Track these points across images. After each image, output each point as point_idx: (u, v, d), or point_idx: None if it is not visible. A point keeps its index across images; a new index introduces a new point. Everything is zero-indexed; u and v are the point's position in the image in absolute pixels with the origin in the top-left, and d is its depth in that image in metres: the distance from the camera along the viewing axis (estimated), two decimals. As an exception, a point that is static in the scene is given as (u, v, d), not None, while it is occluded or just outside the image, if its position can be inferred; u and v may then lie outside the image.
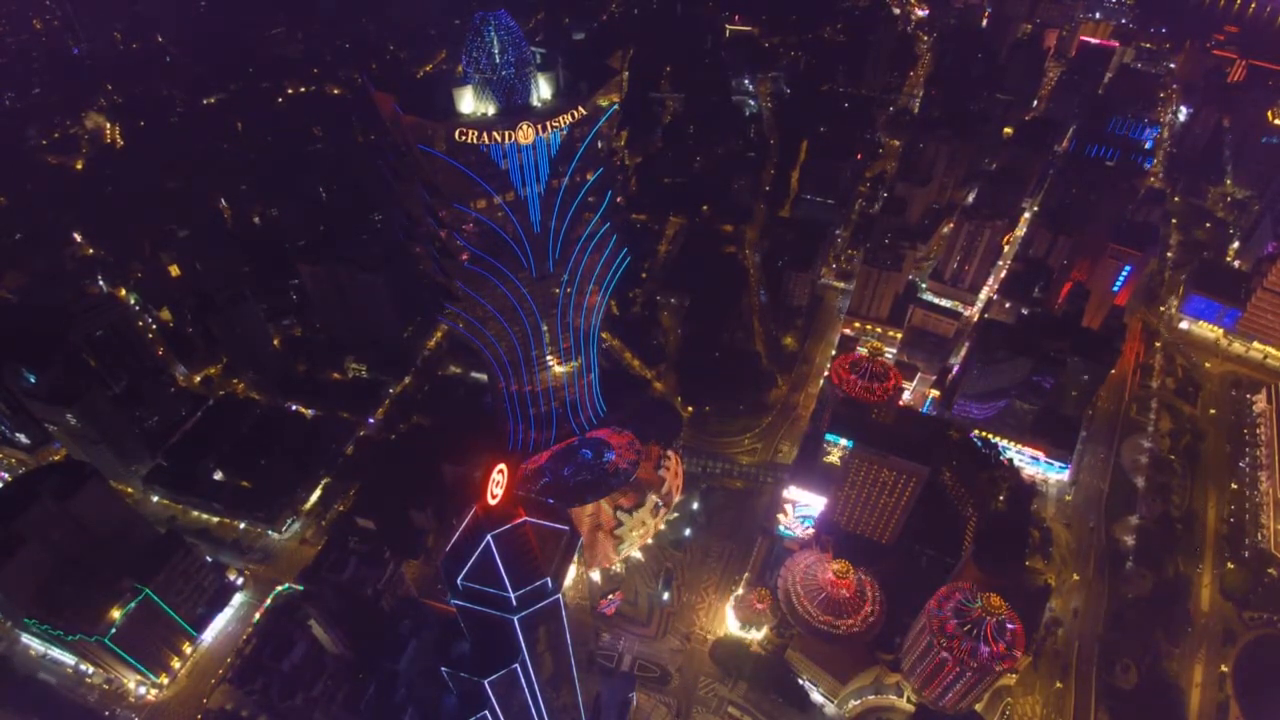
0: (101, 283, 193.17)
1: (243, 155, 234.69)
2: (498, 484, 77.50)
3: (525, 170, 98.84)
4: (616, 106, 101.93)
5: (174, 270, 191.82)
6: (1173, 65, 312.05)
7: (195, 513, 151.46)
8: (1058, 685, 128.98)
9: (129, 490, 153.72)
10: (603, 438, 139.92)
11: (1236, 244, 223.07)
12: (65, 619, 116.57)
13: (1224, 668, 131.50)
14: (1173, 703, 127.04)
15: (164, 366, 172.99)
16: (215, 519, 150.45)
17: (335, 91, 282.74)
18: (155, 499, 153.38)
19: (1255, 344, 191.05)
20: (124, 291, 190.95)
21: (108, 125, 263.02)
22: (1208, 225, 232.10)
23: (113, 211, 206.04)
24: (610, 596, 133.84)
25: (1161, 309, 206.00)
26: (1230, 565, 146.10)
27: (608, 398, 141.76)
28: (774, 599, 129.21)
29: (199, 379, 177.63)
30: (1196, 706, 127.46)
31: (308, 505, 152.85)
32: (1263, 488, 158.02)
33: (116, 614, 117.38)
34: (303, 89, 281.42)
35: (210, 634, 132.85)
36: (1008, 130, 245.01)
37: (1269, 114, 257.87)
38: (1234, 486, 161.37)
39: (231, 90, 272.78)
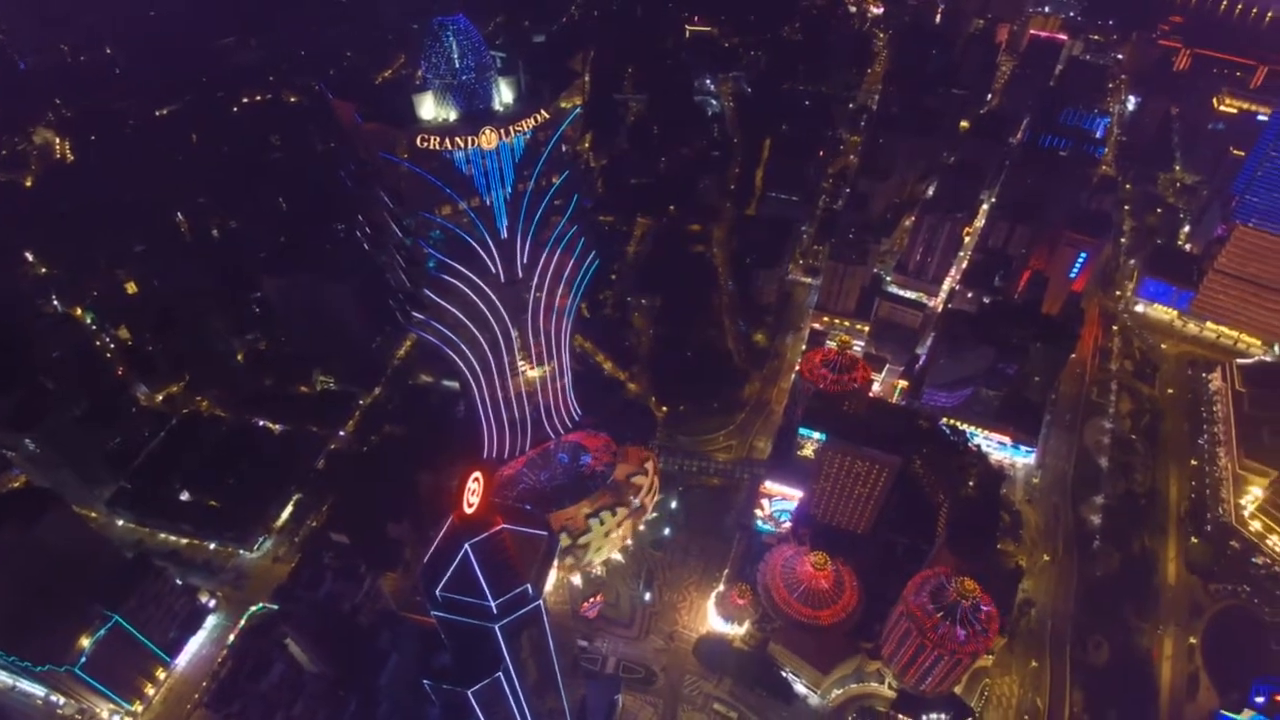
0: (56, 302, 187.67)
1: (198, 167, 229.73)
2: (474, 492, 77.03)
3: (490, 175, 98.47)
4: (580, 109, 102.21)
5: (131, 287, 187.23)
6: (1120, 56, 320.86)
7: (163, 535, 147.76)
8: (1033, 664, 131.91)
9: (93, 514, 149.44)
10: (578, 441, 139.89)
11: (1187, 228, 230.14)
12: (33, 649, 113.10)
13: (1192, 640, 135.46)
14: (1145, 676, 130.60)
15: (125, 386, 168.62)
16: (184, 540, 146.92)
17: (292, 100, 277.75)
18: (121, 523, 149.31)
19: (1209, 324, 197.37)
20: (80, 310, 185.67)
21: (57, 140, 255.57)
22: (1159, 211, 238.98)
23: (65, 229, 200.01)
24: (592, 599, 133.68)
25: (1118, 293, 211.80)
26: (1194, 540, 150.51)
27: (582, 400, 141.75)
28: (754, 594, 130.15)
29: (161, 398, 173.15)
30: (1168, 679, 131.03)
31: (279, 522, 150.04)
32: (1221, 463, 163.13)
33: (86, 642, 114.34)
34: (258, 98, 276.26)
35: (184, 658, 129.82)
36: (964, 124, 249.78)
37: (1215, 101, 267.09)
38: (1194, 463, 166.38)
39: (185, 101, 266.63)
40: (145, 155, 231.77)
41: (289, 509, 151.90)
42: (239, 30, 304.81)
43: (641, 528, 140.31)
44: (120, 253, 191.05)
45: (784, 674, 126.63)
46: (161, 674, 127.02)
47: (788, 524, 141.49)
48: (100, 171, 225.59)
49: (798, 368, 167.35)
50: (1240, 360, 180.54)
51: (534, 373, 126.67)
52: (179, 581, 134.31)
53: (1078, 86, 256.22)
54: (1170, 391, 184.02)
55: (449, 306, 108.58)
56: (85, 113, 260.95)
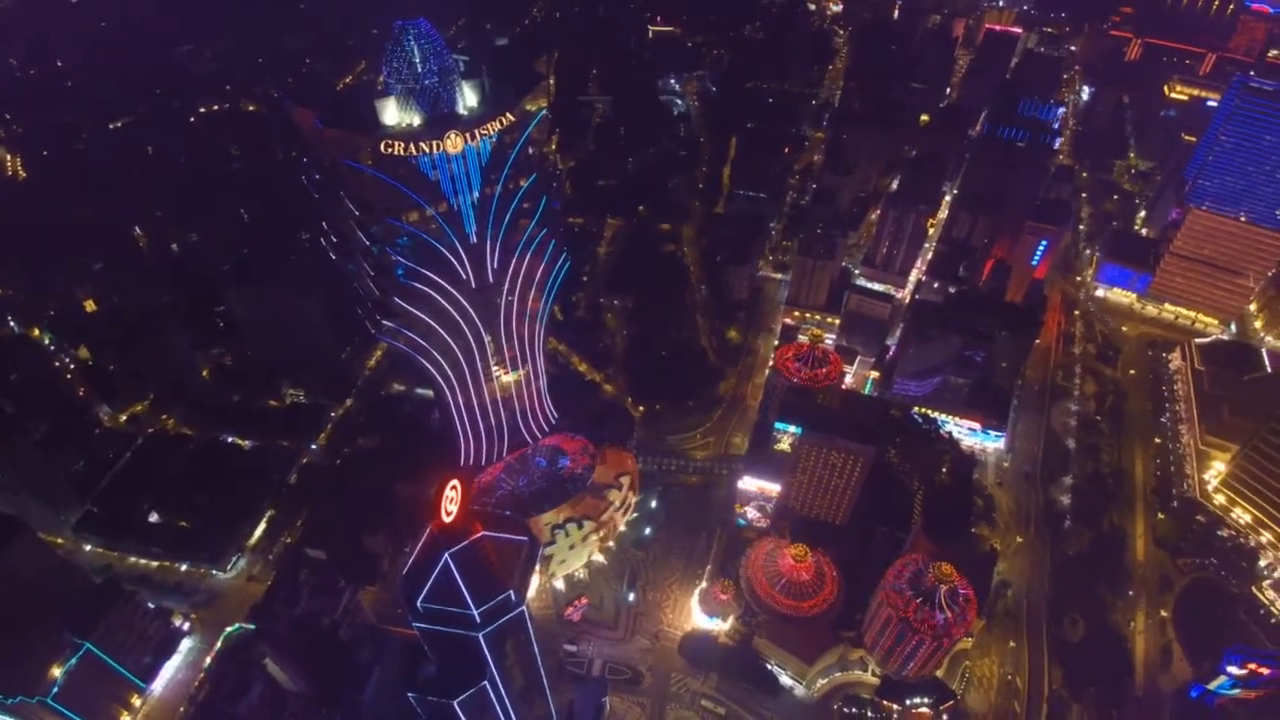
0: (12, 323, 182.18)
1: (156, 180, 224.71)
2: (451, 500, 76.47)
3: (457, 180, 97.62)
4: (545, 111, 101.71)
5: (90, 305, 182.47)
6: (1073, 48, 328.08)
7: (133, 558, 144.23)
8: (1011, 644, 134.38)
9: (59, 540, 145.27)
10: (556, 444, 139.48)
11: (1143, 213, 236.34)
12: (3, 681, 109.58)
13: (1164, 613, 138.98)
14: (1120, 650, 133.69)
15: (87, 407, 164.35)
16: (155, 563, 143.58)
17: (251, 108, 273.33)
18: (88, 547, 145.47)
19: (1166, 306, 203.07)
20: (38, 331, 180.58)
21: (8, 157, 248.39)
22: (1115, 197, 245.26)
23: (19, 247, 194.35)
24: (575, 603, 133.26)
25: (1078, 279, 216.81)
26: (1161, 515, 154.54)
27: (558, 403, 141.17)
28: (737, 589, 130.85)
29: (125, 418, 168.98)
30: (1142, 652, 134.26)
31: (253, 540, 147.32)
32: (1184, 440, 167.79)
33: (57, 671, 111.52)
34: (216, 107, 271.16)
35: (160, 684, 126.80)
36: (924, 118, 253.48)
37: (1166, 88, 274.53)
38: (1158, 441, 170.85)
39: (140, 113, 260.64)
40: (100, 169, 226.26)
41: (262, 526, 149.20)
42: (194, 39, 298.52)
43: (623, 528, 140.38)
44: (77, 270, 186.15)
45: (769, 667, 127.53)
46: (137, 700, 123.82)
47: (767, 518, 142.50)
48: (54, 188, 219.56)
49: (771, 363, 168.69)
50: (1198, 340, 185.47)
51: (509, 377, 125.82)
52: (151, 605, 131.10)
53: (1033, 78, 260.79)
54: (1132, 372, 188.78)
55: (419, 314, 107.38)
56: (36, 128, 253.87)
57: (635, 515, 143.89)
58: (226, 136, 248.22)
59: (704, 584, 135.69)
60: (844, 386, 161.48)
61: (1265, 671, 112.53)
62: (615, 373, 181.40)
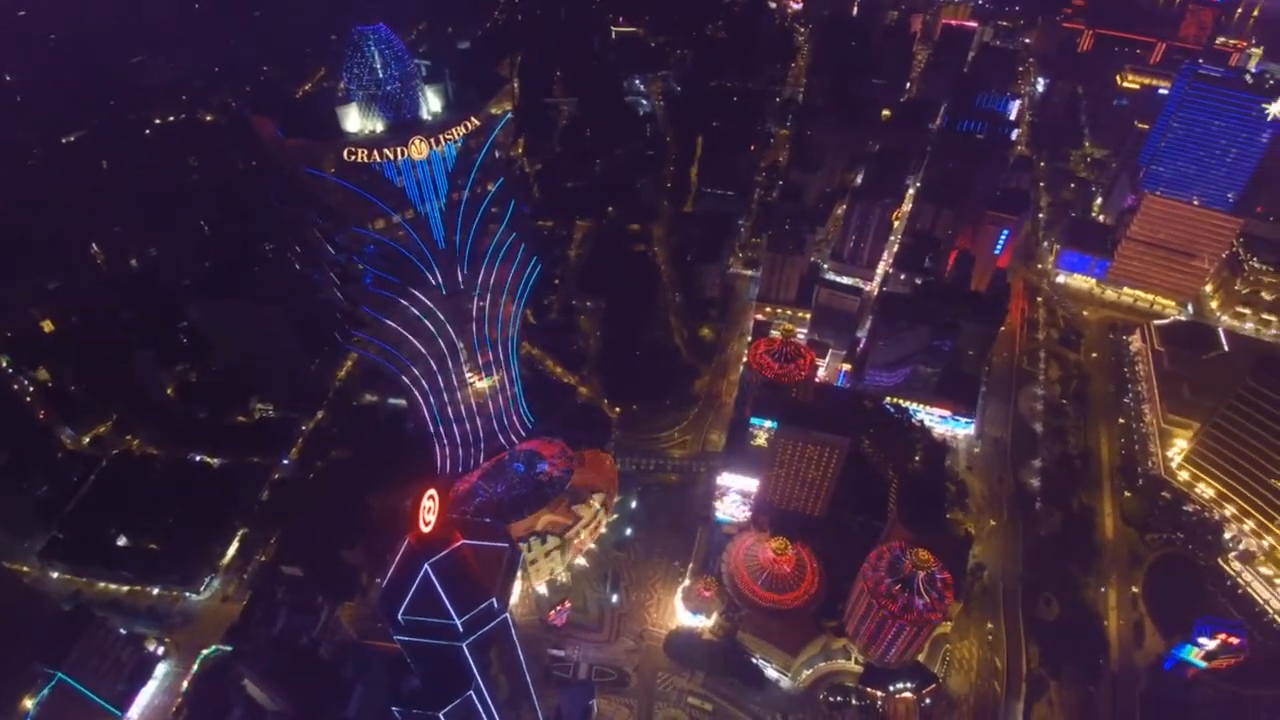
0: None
1: (112, 194, 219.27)
2: (429, 510, 75.97)
3: (423, 186, 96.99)
4: (510, 115, 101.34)
5: (47, 325, 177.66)
6: (1028, 40, 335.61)
7: (102, 584, 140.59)
8: (989, 626, 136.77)
9: (24, 568, 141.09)
10: (534, 449, 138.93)
11: (1100, 200, 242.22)
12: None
13: (1135, 589, 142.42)
14: (1094, 627, 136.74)
15: (48, 431, 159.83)
16: (125, 588, 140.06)
17: (208, 118, 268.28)
18: (56, 575, 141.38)
19: (1125, 289, 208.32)
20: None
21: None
22: (1072, 186, 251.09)
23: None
24: (559, 607, 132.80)
25: (1039, 266, 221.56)
26: (1128, 494, 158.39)
27: (534, 407, 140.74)
28: (720, 585, 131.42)
29: (88, 440, 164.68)
30: (1115, 628, 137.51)
31: (226, 560, 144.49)
32: (1147, 419, 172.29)
33: (29, 703, 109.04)
34: (172, 118, 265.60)
35: (136, 711, 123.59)
36: (886, 113, 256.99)
37: (1118, 78, 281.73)
38: (1122, 421, 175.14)
39: (93, 126, 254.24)
40: (53, 185, 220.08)
41: (235, 545, 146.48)
42: (148, 50, 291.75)
43: (604, 530, 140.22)
44: (33, 289, 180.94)
45: (754, 660, 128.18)
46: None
47: (747, 513, 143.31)
48: (6, 206, 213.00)
49: (745, 359, 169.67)
50: (1157, 321, 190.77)
51: (483, 384, 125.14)
52: (123, 631, 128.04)
53: (990, 71, 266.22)
54: (1094, 355, 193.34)
55: (390, 322, 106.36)
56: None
57: (615, 517, 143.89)
58: (184, 148, 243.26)
59: (687, 581, 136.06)
60: (817, 380, 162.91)
61: (1235, 641, 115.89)
62: (590, 375, 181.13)
